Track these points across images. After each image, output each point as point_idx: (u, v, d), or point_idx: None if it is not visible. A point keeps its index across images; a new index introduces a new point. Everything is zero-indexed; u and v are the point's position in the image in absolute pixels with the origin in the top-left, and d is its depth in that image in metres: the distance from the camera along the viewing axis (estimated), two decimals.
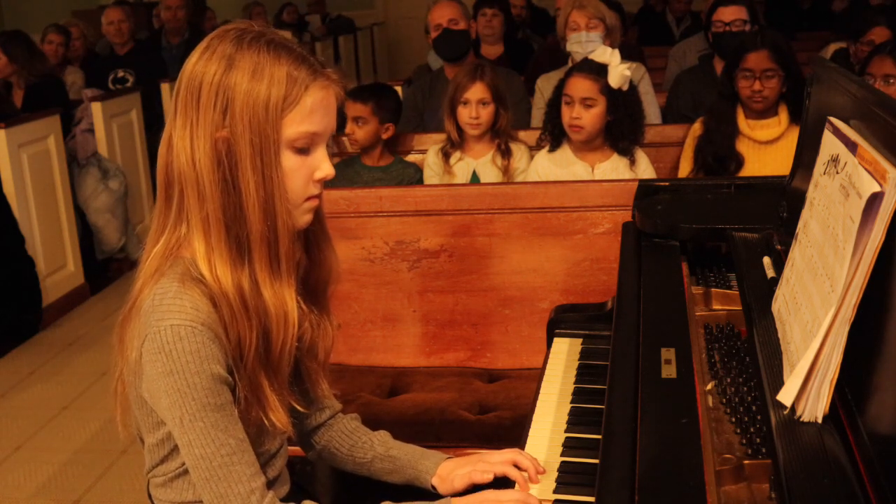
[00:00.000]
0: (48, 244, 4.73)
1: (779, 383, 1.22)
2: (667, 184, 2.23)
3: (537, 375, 1.87)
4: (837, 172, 1.29)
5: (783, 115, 3.11)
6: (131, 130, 5.70)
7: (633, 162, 3.01)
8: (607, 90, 2.95)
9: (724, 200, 2.13)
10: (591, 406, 1.67)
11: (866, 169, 1.16)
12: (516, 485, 1.46)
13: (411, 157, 3.50)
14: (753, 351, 1.39)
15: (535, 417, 1.69)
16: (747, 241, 1.79)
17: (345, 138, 3.51)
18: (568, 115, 2.98)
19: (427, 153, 3.35)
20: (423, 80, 4.32)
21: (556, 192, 2.62)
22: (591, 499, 1.25)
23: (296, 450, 1.68)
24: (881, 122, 1.24)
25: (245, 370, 1.35)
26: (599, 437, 1.35)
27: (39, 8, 9.34)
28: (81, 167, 5.21)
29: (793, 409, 1.18)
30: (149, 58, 6.53)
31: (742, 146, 3.12)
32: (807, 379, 1.16)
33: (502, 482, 1.48)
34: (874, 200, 1.10)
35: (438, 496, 1.52)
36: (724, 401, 1.39)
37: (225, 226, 1.33)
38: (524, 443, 1.61)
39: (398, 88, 4.23)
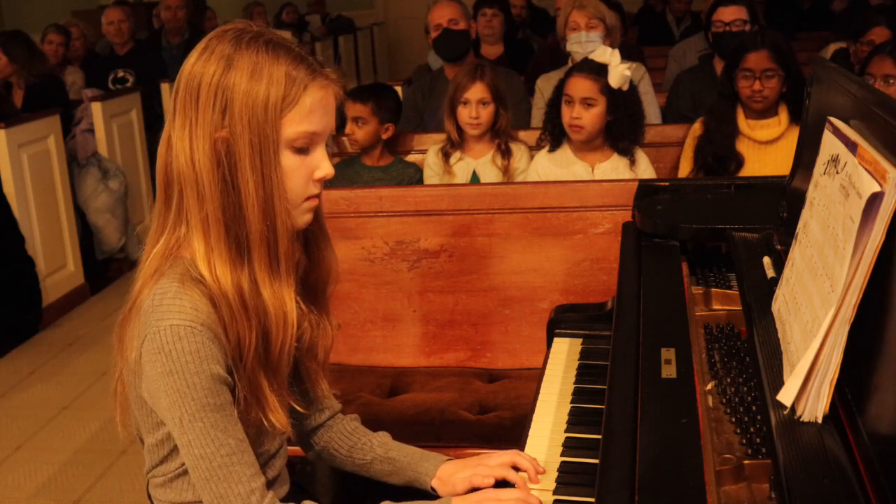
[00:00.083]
0: (48, 244, 4.73)
1: (779, 383, 1.22)
2: (667, 184, 2.23)
3: (537, 375, 1.87)
4: (837, 172, 1.29)
5: (783, 115, 3.11)
6: (131, 130, 5.70)
7: (633, 162, 3.01)
8: (607, 90, 2.95)
9: (724, 200, 2.13)
10: (591, 406, 1.67)
11: (866, 169, 1.16)
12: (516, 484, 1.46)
13: (411, 157, 3.50)
14: (753, 351, 1.39)
15: (535, 417, 1.69)
16: (747, 241, 1.79)
17: (345, 138, 3.51)
18: (568, 115, 2.98)
19: (427, 153, 3.35)
20: (423, 80, 4.32)
21: (556, 192, 2.62)
22: (591, 499, 1.25)
23: (296, 450, 1.67)
24: (881, 122, 1.24)
25: (244, 370, 1.35)
26: (599, 437, 1.35)
27: (39, 8, 9.34)
28: (81, 167, 5.21)
29: (793, 409, 1.18)
30: (149, 58, 6.53)
31: (742, 146, 3.12)
32: (807, 379, 1.16)
33: (503, 482, 1.48)
34: (874, 200, 1.10)
35: (438, 498, 1.52)
36: (724, 401, 1.39)
37: (224, 226, 1.33)
38: (524, 443, 1.61)
39: (398, 88, 4.23)
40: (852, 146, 1.25)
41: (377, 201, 2.68)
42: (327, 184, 1.43)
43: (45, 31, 6.24)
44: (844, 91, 1.47)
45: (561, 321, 2.04)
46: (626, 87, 2.98)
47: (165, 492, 1.44)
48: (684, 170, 3.23)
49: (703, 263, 1.90)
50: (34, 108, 4.93)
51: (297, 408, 1.47)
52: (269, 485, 1.43)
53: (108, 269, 5.42)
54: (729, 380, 1.43)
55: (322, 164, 1.38)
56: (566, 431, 1.61)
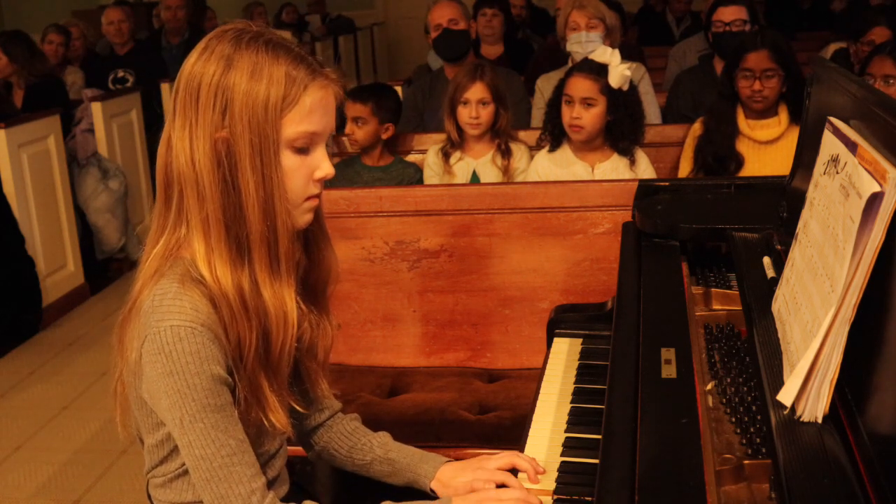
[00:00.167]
0: (48, 244, 4.73)
1: (779, 383, 1.22)
2: (667, 184, 2.23)
3: (537, 375, 1.87)
4: (837, 172, 1.29)
5: (783, 115, 3.11)
6: (131, 130, 5.70)
7: (633, 162, 3.01)
8: (607, 90, 2.95)
9: (724, 200, 2.13)
10: (591, 406, 1.67)
11: (866, 169, 1.16)
12: None
13: (411, 157, 3.50)
14: (753, 351, 1.39)
15: (535, 417, 1.69)
16: (747, 241, 1.79)
17: (345, 138, 3.51)
18: (568, 114, 2.98)
19: (427, 153, 3.35)
20: (423, 80, 4.32)
21: (556, 192, 2.62)
22: (591, 499, 1.25)
23: (296, 450, 1.67)
24: (881, 122, 1.24)
25: (245, 371, 1.35)
26: (599, 437, 1.35)
27: (39, 8, 9.34)
28: (81, 167, 5.21)
29: (793, 409, 1.18)
30: (149, 58, 6.53)
31: (742, 146, 3.12)
32: (807, 379, 1.16)
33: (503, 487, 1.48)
34: (874, 200, 1.10)
35: (437, 499, 1.52)
36: (724, 401, 1.39)
37: (225, 226, 1.33)
38: (524, 443, 1.61)
39: (398, 88, 4.23)
40: (852, 146, 1.25)
41: (377, 201, 2.68)
42: (327, 184, 1.43)
43: (45, 31, 6.24)
44: (844, 91, 1.47)
45: (561, 321, 2.04)
46: (626, 87, 2.98)
47: (165, 492, 1.44)
48: (684, 170, 3.23)
49: (703, 263, 1.90)
50: (34, 108, 4.93)
51: (298, 408, 1.47)
52: (270, 485, 1.43)
53: (108, 269, 5.42)
54: (729, 380, 1.43)
55: (322, 164, 1.38)
56: (566, 431, 1.61)
